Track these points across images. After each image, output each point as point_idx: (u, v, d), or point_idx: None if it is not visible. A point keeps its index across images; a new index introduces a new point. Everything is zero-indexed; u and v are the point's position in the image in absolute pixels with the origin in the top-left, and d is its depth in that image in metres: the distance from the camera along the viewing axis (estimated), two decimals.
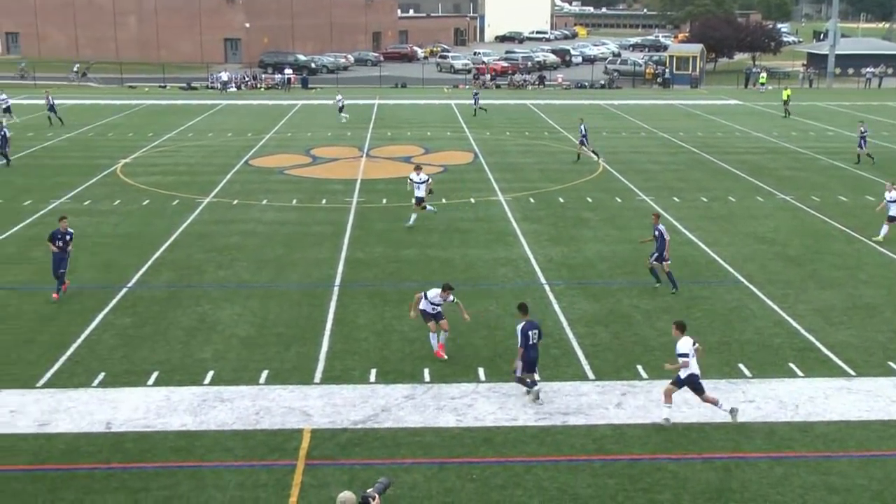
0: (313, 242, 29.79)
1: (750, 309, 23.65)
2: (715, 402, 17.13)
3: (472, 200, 36.24)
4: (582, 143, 45.00)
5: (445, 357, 20.18)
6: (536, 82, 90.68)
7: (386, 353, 20.53)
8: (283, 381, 18.94)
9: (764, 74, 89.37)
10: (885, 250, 29.33)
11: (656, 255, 24.96)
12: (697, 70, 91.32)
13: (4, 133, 43.56)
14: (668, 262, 25.05)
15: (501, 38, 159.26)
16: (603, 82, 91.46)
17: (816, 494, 15.00)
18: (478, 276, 26.35)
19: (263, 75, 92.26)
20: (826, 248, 29.53)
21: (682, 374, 16.97)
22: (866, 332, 22.15)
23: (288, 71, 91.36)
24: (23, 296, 24.44)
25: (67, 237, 24.52)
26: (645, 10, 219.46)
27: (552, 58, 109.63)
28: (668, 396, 17.27)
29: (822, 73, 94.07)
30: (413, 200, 32.08)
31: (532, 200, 36.22)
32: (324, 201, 35.99)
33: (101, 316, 22.83)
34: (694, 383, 16.98)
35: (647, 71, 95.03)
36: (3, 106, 58.67)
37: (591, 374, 19.51)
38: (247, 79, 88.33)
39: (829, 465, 15.90)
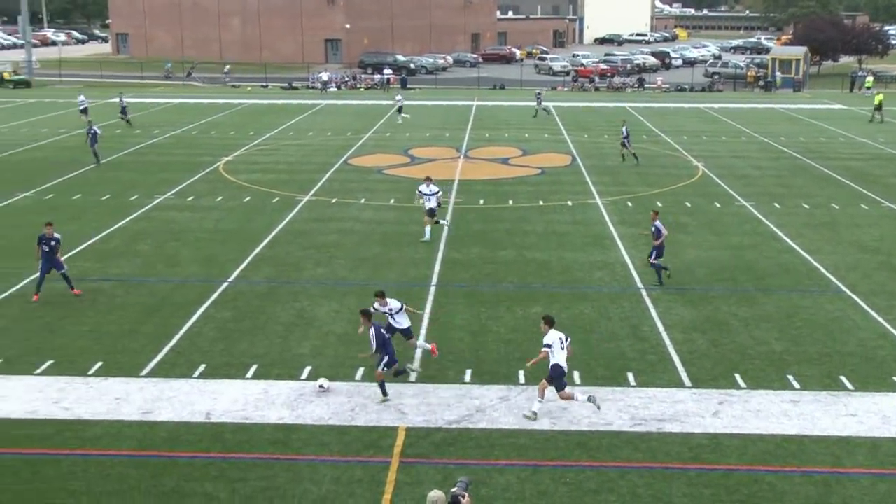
0: (410, 242, 29.97)
1: (852, 320, 23.02)
2: (571, 397, 17.29)
3: (570, 203, 36.03)
4: (624, 144, 44.87)
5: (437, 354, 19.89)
6: (636, 85, 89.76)
7: (481, 354, 20.55)
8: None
9: (870, 78, 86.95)
10: None
11: (654, 253, 25.34)
12: (801, 73, 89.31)
13: (94, 132, 44.37)
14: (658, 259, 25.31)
15: (600, 41, 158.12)
16: (703, 85, 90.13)
17: None
18: (574, 279, 26.19)
19: (363, 76, 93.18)
20: None
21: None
22: None
23: (387, 71, 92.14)
24: (129, 287, 25.11)
25: (53, 242, 23.92)
26: (747, 12, 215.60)
27: (652, 60, 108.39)
28: (541, 391, 17.36)
29: None
30: (425, 213, 30.31)
31: (630, 204, 35.86)
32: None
33: (202, 309, 23.32)
34: (555, 377, 17.10)
35: (749, 74, 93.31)
36: (81, 107, 59.46)
37: (687, 382, 19.22)
38: (346, 79, 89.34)
39: None
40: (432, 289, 25.14)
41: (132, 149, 48.46)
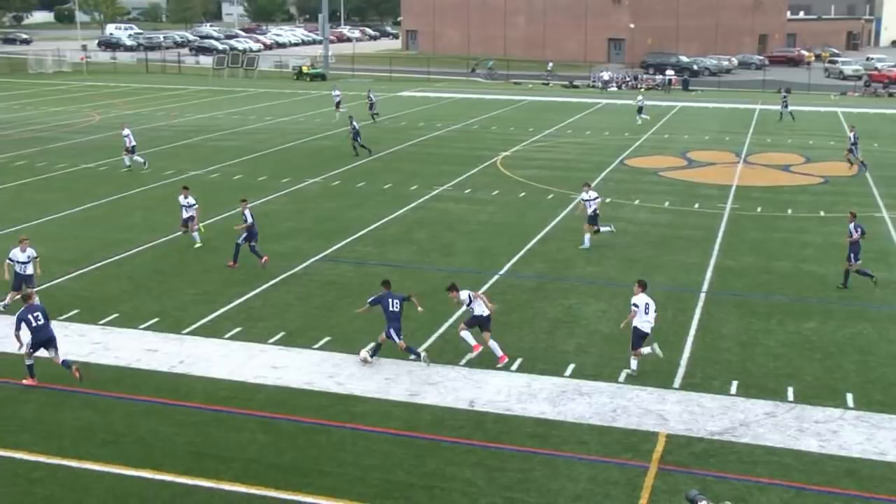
0: (683, 246, 29.37)
1: None
2: (640, 355, 19.21)
3: None
4: (850, 150, 42.37)
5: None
6: None
7: (749, 366, 19.85)
8: (642, 382, 18.85)
9: None
10: None
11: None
12: None
13: (355, 126, 45.66)
14: None
15: None
16: None
17: None
18: (852, 295, 24.76)
19: (644, 76, 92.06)
20: None
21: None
22: None
23: (669, 72, 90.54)
24: (404, 273, 26.10)
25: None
26: None
27: None
28: (636, 354, 19.25)
29: None
30: (585, 220, 29.26)
31: None
32: (696, 205, 35.37)
33: None
34: (634, 337, 19.18)
35: None
36: (336, 100, 61.41)
37: None
38: (628, 79, 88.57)
39: None
40: (702, 296, 24.53)
41: (415, 140, 50.29)
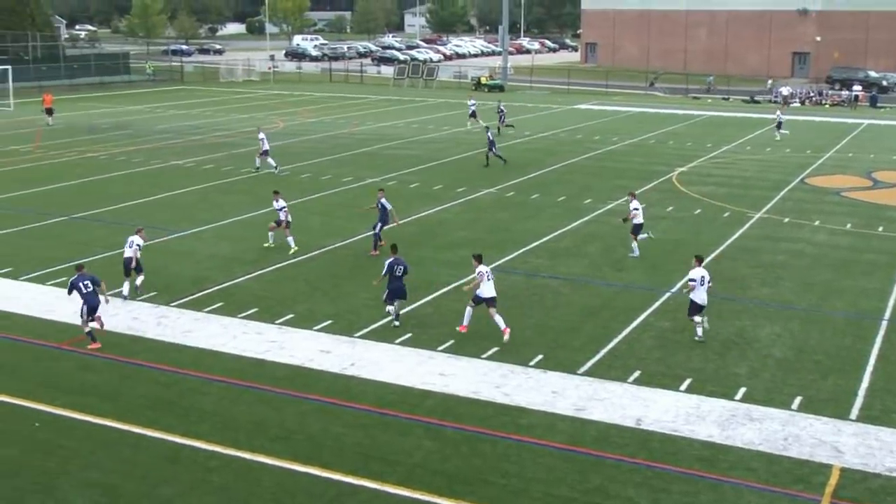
0: (864, 271, 28.11)
1: None
2: (692, 321, 21.87)
3: None
4: None
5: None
6: None
7: None
8: (816, 412, 18.12)
9: None
10: None
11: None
12: None
13: (490, 137, 45.70)
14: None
15: None
16: None
17: None
18: None
19: (829, 91, 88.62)
20: None
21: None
22: None
23: (856, 88, 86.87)
24: (575, 287, 25.96)
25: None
26: None
27: None
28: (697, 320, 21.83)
29: None
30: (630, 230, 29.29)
31: None
32: (880, 228, 33.81)
33: (642, 316, 23.53)
34: (692, 306, 21.84)
35: None
36: (470, 111, 61.42)
37: None
38: (811, 94, 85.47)
39: None
40: (884, 323, 23.40)
41: (591, 154, 49.97)
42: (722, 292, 25.61)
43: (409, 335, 21.94)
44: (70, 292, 21.13)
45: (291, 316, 23.26)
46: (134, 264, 24.68)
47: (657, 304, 24.56)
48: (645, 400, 18.57)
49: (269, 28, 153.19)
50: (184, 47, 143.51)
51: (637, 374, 19.81)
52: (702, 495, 15.02)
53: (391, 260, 22.60)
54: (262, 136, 43.16)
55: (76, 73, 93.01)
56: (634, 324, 22.95)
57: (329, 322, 22.83)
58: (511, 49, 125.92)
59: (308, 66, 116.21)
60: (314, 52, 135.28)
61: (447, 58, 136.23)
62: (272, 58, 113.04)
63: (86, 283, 21.02)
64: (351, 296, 24.97)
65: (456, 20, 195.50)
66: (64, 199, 37.02)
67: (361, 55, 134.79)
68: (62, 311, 23.40)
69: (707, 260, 28.67)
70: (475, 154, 49.46)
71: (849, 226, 34.07)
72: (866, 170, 46.63)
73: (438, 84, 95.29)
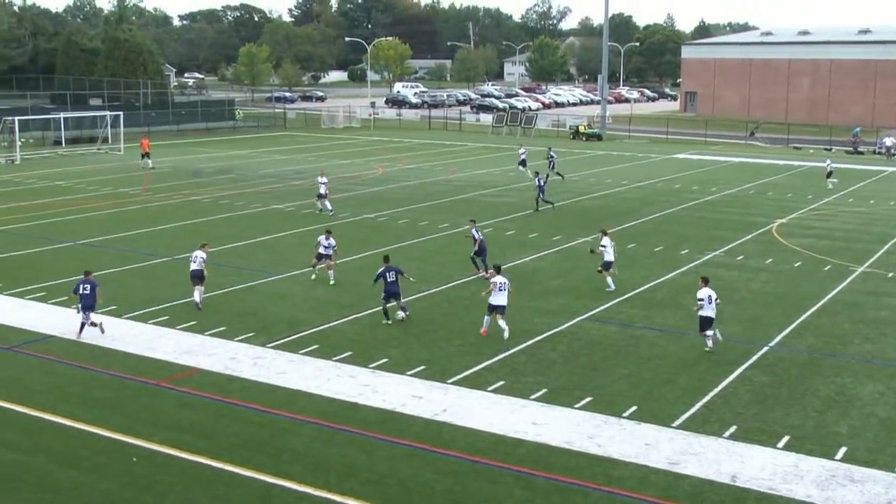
0: None
1: None
2: (704, 336, 24.07)
3: None
4: None
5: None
6: None
7: None
8: None
9: None
10: None
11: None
12: None
13: (540, 183, 46.25)
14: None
15: None
16: None
17: None
18: None
19: None
20: None
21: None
22: None
23: None
24: (670, 338, 25.56)
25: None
26: None
27: None
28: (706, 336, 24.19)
29: None
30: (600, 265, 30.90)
31: None
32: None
33: (739, 370, 23.02)
34: (702, 324, 24.21)
35: None
36: (521, 159, 61.14)
37: None
38: None
39: None
40: None
41: (688, 204, 49.38)
42: (822, 348, 24.93)
43: (501, 383, 21.85)
44: (75, 291, 25.06)
45: (385, 360, 23.38)
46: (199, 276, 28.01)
47: (755, 357, 24.01)
48: (741, 456, 18.10)
49: (371, 75, 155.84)
50: (287, 94, 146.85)
51: (733, 429, 19.35)
52: None
53: (383, 268, 26.26)
54: (322, 179, 44.77)
55: (183, 118, 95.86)
56: (731, 377, 22.47)
57: (422, 367, 22.88)
58: (610, 98, 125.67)
59: (408, 113, 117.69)
60: (414, 100, 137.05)
61: (546, 106, 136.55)
62: (373, 105, 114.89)
63: (85, 286, 24.85)
64: (444, 341, 25.00)
65: (555, 69, 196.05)
66: (168, 241, 38.01)
67: (461, 103, 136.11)
68: (163, 350, 23.96)
69: (807, 314, 28.05)
70: (572, 203, 49.32)
71: None
72: None
73: (537, 132, 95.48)
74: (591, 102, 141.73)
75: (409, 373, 22.50)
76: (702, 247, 38.01)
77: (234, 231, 40.20)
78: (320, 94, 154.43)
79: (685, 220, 44.42)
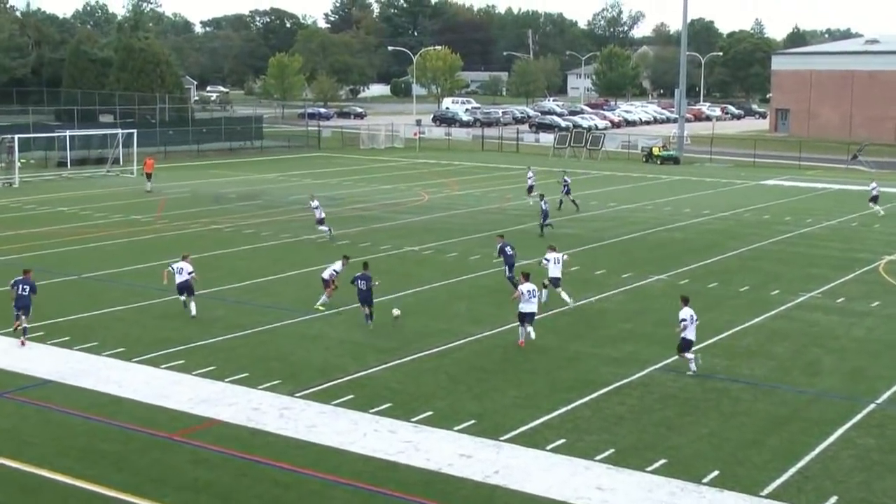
0: None
1: None
2: (685, 358, 26.27)
3: None
4: None
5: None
6: None
7: None
8: None
9: None
10: None
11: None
12: None
13: (545, 208, 48.50)
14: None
15: None
16: None
17: None
18: None
19: None
20: None
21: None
22: None
23: None
24: (758, 392, 25.23)
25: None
26: None
27: None
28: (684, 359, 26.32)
29: None
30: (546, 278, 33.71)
31: None
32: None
33: (841, 430, 22.63)
34: (683, 345, 26.27)
35: None
36: (529, 184, 61.76)
37: None
38: None
39: None
40: None
41: (780, 237, 48.92)
42: None
43: (562, 441, 21.67)
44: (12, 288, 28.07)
45: (429, 413, 23.31)
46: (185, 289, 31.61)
47: (859, 416, 23.59)
48: None
49: (416, 89, 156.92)
50: (322, 110, 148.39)
51: (833, 499, 19.00)
52: None
53: (357, 276, 30.71)
54: (315, 203, 46.41)
55: (205, 137, 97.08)
56: (830, 439, 22.09)
57: (472, 422, 22.77)
58: (688, 115, 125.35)
59: (458, 133, 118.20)
60: (465, 117, 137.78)
61: (615, 125, 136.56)
62: (418, 123, 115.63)
63: (24, 286, 27.85)
64: (498, 392, 24.89)
65: (626, 82, 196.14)
66: None
67: (518, 121, 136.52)
68: (176, 398, 24.09)
69: None
70: (645, 235, 49.10)
71: None
72: None
73: (604, 154, 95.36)
74: (667, 121, 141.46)
75: (457, 428, 22.39)
76: (795, 287, 37.58)
77: (260, 264, 40.46)
78: (359, 110, 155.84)
79: (776, 256, 43.97)
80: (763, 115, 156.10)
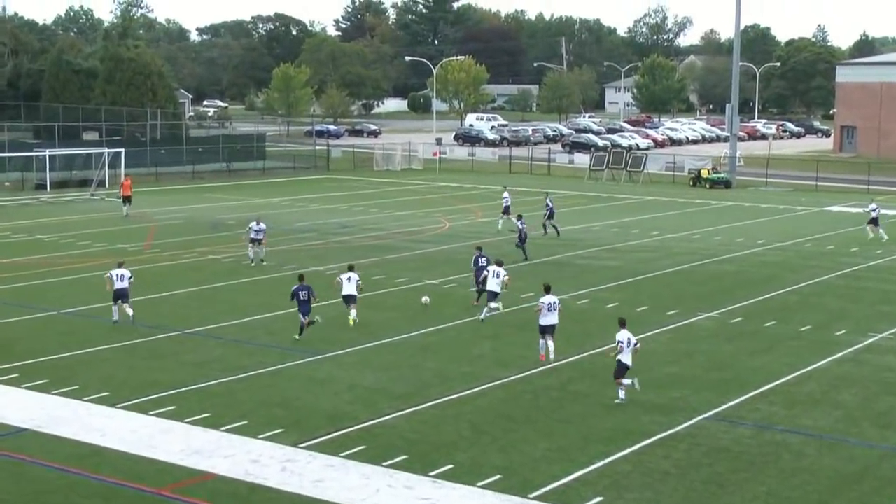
0: None
1: None
2: (621, 384, 27.72)
3: None
4: None
5: None
6: None
7: None
8: None
9: None
10: None
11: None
12: None
13: (521, 227, 50.37)
14: None
15: None
16: None
17: None
18: None
19: None
20: None
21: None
22: None
23: None
24: (822, 446, 25.03)
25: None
26: None
27: None
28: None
29: None
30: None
31: None
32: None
33: None
34: (618, 369, 27.70)
35: None
36: (505, 204, 61.45)
37: None
38: None
39: None
40: None
41: (846, 270, 48.69)
42: None
43: (599, 499, 21.55)
44: None
45: (450, 467, 23.23)
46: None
47: None
48: None
49: (437, 105, 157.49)
50: (331, 128, 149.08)
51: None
52: None
53: (295, 287, 33.99)
54: (261, 226, 47.90)
55: (201, 157, 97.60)
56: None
57: (497, 477, 22.67)
58: (742, 134, 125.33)
59: (483, 153, 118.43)
60: (491, 135, 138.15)
61: (658, 144, 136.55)
62: (439, 142, 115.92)
63: None
64: (527, 444, 24.79)
65: (671, 96, 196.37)
66: (177, 311, 38.40)
67: (550, 140, 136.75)
68: (166, 449, 24.06)
69: None
70: (693, 267, 48.94)
71: None
72: None
73: (646, 177, 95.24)
74: (717, 139, 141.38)
75: (481, 483, 22.30)
76: (864, 326, 37.38)
77: (262, 299, 40.49)
78: (373, 127, 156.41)
79: (842, 292, 43.77)
80: (826, 134, 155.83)
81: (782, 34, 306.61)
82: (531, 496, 21.71)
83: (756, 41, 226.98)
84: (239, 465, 23.25)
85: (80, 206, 71.65)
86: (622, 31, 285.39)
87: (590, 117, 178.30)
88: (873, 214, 58.75)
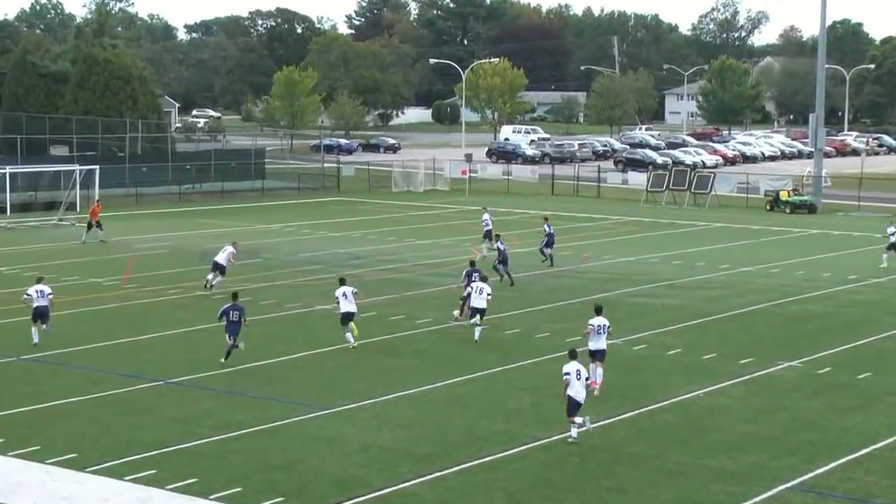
0: None
1: None
2: (573, 422, 28.86)
3: None
4: None
5: None
6: None
7: None
8: None
9: None
10: None
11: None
12: None
13: (501, 248, 54.03)
14: None
15: None
16: None
17: None
18: None
19: None
20: None
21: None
22: None
23: None
24: None
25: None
26: None
27: None
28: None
29: None
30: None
31: None
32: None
33: None
34: (569, 405, 29.03)
35: None
36: (486, 229, 62.44)
37: None
38: None
39: None
40: None
41: None
42: None
43: None
44: None
45: None
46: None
47: None
48: None
49: (467, 115, 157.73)
50: (342, 142, 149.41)
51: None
52: None
53: (227, 306, 37.00)
54: (233, 248, 50.61)
55: (189, 176, 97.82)
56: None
57: None
58: (828, 149, 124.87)
59: (520, 171, 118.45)
60: (529, 151, 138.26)
61: (728, 161, 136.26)
62: (469, 158, 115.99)
63: None
64: None
65: (743, 105, 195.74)
66: (160, 357, 38.33)
67: (599, 156, 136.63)
68: None
69: None
70: (771, 307, 48.64)
71: None
72: None
73: (714, 200, 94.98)
74: (799, 156, 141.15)
75: None
76: None
77: (260, 343, 40.34)
78: (391, 141, 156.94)
79: None
80: None
81: (877, 31, 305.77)
82: None
83: (845, 39, 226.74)
84: None
85: (47, 233, 71.94)
86: (685, 29, 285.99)
87: (647, 130, 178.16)
88: (893, 239, 58.78)
